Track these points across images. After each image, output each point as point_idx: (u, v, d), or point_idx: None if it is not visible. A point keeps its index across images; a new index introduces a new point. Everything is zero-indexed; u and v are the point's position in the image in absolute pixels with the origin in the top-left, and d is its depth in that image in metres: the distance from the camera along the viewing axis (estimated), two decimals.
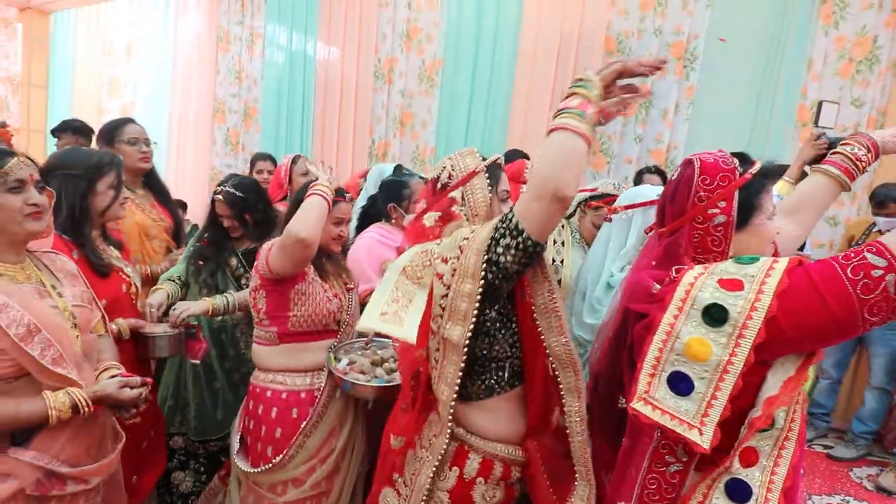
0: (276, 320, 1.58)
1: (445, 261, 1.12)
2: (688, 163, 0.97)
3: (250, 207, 1.96)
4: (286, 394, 1.57)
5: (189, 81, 5.29)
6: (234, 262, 1.98)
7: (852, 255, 0.80)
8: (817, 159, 2.42)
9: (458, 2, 4.15)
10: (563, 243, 2.04)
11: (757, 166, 0.95)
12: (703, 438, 0.81)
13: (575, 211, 2.13)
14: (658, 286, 0.93)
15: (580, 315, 1.68)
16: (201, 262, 1.95)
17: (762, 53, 3.52)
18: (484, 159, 1.26)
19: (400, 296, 1.19)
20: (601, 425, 1.12)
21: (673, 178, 1.02)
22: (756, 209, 0.94)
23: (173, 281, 1.95)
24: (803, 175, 2.63)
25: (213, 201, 1.98)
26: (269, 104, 4.92)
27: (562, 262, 2.01)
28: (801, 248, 2.64)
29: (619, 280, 1.49)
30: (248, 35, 4.96)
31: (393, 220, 2.09)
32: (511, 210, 1.04)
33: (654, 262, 1.00)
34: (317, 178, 1.56)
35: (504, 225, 1.03)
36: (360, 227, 2.20)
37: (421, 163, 4.30)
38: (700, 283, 0.85)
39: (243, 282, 1.96)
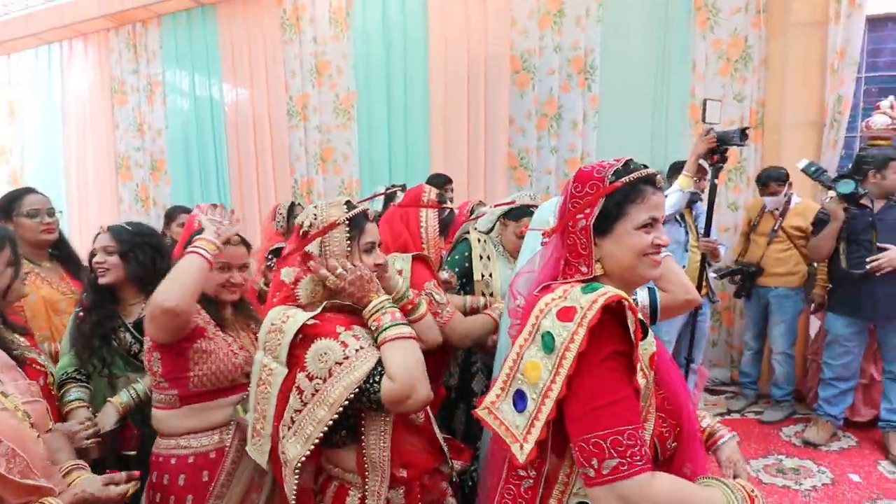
0: (175, 382, 1.44)
1: (310, 378, 1.13)
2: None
3: (137, 247, 1.68)
4: (193, 457, 1.44)
5: (84, 138, 4.94)
6: (124, 335, 1.70)
7: (639, 444, 0.83)
8: (710, 152, 2.68)
9: (364, 33, 4.18)
10: (489, 257, 2.08)
11: (631, 177, 0.97)
12: (522, 452, 0.88)
13: (494, 226, 2.16)
14: (522, 299, 1.02)
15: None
16: (85, 345, 1.66)
17: (651, 60, 3.81)
18: (348, 209, 1.26)
19: (259, 406, 1.21)
20: None
21: None
22: (621, 217, 0.96)
23: (78, 380, 1.67)
24: (700, 168, 2.89)
25: (93, 244, 1.71)
26: (177, 154, 4.69)
27: (490, 275, 2.05)
28: (707, 234, 2.86)
29: None
30: (145, 84, 4.71)
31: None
32: (381, 371, 1.11)
33: (539, 267, 1.05)
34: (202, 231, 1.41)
35: (374, 383, 1.12)
36: None
37: (349, 196, 4.25)
38: (548, 308, 0.91)
39: (142, 357, 1.71)
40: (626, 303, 0.86)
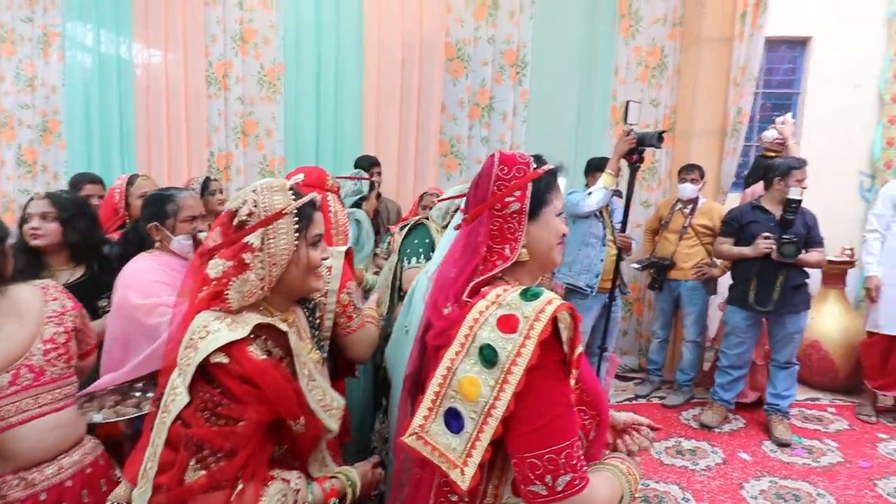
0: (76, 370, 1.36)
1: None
2: (490, 156, 1.02)
3: (78, 216, 1.79)
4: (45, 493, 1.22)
5: None
6: None
7: (581, 462, 0.83)
8: (630, 152, 2.82)
9: (295, 5, 4.00)
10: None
11: (548, 166, 1.01)
12: (464, 478, 0.81)
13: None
14: (449, 308, 0.92)
15: None
16: None
17: (579, 61, 3.98)
18: (297, 196, 1.10)
19: (155, 439, 0.98)
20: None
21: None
22: (546, 203, 0.99)
23: None
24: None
25: (24, 210, 1.76)
26: (76, 116, 4.21)
27: None
28: (624, 229, 3.03)
29: None
30: (40, 35, 4.18)
31: (157, 244, 1.80)
32: None
33: (457, 254, 0.99)
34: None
35: None
36: (123, 258, 1.80)
37: (270, 174, 4.04)
38: (483, 318, 0.85)
39: None
40: (574, 311, 0.85)
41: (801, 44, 4.36)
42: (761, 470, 2.87)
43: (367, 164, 3.60)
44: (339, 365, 1.57)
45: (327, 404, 1.07)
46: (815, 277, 3.34)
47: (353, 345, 1.47)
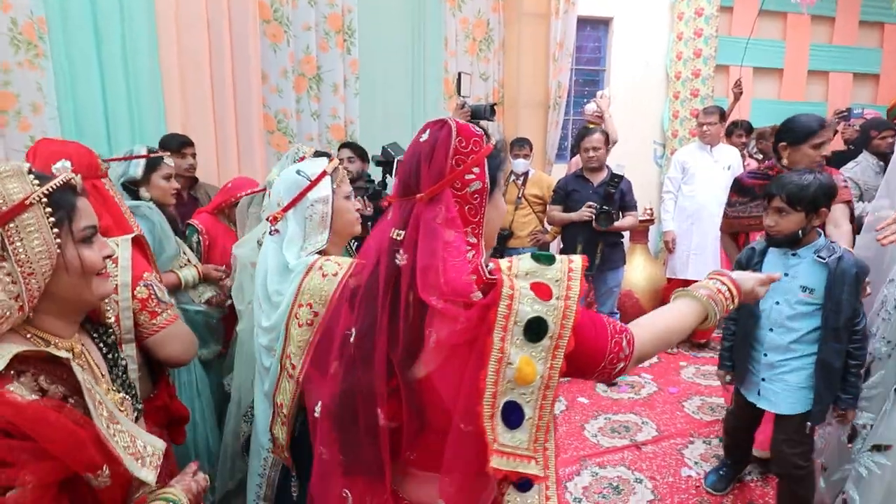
0: None
1: None
2: (443, 124, 0.89)
3: None
4: None
5: None
6: None
7: (618, 328, 0.89)
8: None
9: None
10: None
11: (495, 140, 0.92)
12: (539, 467, 0.77)
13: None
14: (479, 294, 0.79)
15: (259, 322, 1.46)
16: None
17: (408, 31, 3.84)
18: (43, 180, 0.83)
19: None
20: (362, 464, 0.87)
21: (422, 138, 0.90)
22: (498, 182, 0.91)
23: None
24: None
25: None
26: None
27: None
28: None
29: (302, 263, 1.30)
30: None
31: None
32: None
33: (425, 243, 0.82)
34: None
35: None
36: None
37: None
38: (517, 293, 0.78)
39: None
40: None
41: (604, 24, 4.81)
42: (597, 410, 3.22)
43: (177, 143, 3.07)
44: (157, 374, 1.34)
45: (137, 451, 0.85)
46: (625, 235, 3.78)
47: (162, 344, 1.27)
